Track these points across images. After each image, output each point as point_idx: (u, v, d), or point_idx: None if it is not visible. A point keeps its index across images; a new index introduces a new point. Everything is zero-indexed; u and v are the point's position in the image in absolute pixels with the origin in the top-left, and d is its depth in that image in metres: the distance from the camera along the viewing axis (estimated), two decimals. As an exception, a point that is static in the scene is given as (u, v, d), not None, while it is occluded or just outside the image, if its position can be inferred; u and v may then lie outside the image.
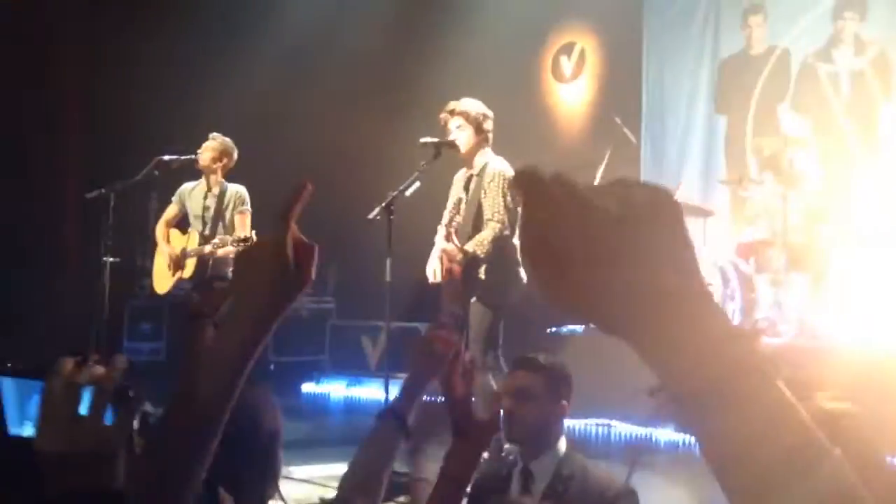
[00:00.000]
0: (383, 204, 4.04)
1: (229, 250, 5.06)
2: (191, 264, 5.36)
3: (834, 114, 6.58)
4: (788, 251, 5.41)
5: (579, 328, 5.87)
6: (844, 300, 5.37)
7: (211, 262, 5.28)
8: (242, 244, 4.81)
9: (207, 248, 5.18)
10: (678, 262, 0.68)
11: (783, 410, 0.64)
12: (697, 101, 7.29)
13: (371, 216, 4.05)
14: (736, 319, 5.38)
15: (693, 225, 6.31)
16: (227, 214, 5.37)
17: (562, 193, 0.68)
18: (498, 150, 4.52)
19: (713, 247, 5.76)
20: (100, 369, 1.00)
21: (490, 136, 4.44)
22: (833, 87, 6.62)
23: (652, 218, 0.68)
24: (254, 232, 5.02)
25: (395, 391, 5.59)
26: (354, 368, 6.46)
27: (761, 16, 7.00)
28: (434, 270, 4.34)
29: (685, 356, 0.67)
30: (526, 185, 0.68)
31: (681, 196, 6.04)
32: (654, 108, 7.51)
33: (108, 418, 1.00)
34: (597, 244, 0.67)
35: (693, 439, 0.70)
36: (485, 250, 4.21)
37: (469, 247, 4.22)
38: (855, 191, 6.03)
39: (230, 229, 5.29)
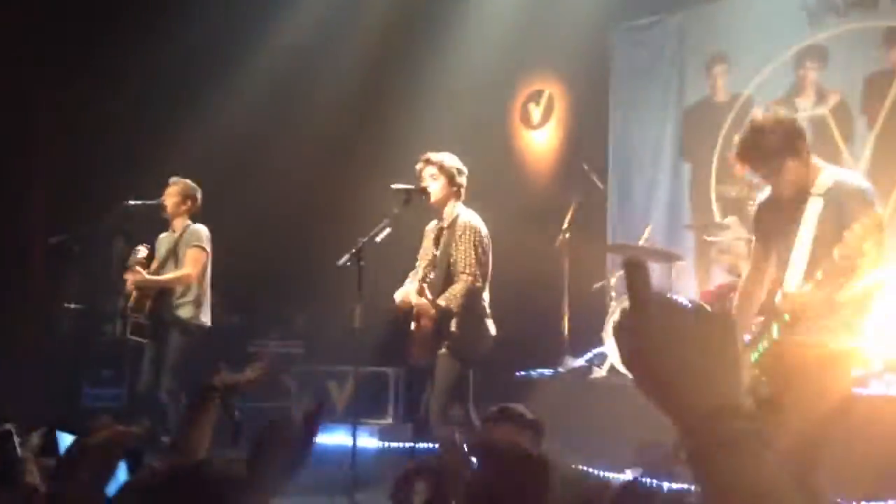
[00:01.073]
0: (353, 250, 4.04)
1: (169, 278, 5.10)
2: (137, 304, 5.33)
3: (795, 161, 6.72)
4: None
5: (548, 372, 5.87)
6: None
7: (151, 298, 5.27)
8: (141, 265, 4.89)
9: (132, 285, 5.19)
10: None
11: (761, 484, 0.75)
12: (663, 148, 7.41)
13: (341, 263, 4.05)
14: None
15: (660, 269, 6.38)
16: (181, 253, 5.36)
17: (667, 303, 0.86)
18: (469, 195, 4.55)
19: (679, 291, 5.81)
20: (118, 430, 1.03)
21: (462, 190, 4.49)
22: (794, 135, 6.76)
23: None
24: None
25: (362, 438, 5.52)
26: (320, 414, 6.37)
27: (725, 65, 7.17)
28: (401, 297, 4.31)
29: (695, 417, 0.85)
30: (634, 280, 0.83)
31: (646, 240, 6.13)
32: (621, 154, 7.62)
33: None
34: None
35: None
36: (457, 304, 4.24)
37: (441, 301, 4.24)
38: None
39: (181, 264, 5.29)
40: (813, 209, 3.09)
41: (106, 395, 6.22)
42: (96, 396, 6.16)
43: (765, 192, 3.40)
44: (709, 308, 0.86)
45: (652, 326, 0.85)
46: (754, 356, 3.17)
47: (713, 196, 7.02)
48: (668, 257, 6.14)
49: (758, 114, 3.33)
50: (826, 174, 3.23)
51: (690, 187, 7.26)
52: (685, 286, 6.25)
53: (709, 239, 6.24)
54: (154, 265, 5.43)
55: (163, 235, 5.59)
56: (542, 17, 7.39)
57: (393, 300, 4.45)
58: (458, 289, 4.24)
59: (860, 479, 4.30)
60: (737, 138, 3.31)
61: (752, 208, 5.78)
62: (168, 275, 5.33)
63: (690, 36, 7.32)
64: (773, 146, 3.16)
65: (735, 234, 5.89)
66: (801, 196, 3.18)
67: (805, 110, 6.76)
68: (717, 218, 6.82)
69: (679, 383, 0.82)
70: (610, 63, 7.72)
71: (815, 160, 3.33)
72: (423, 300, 4.19)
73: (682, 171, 7.33)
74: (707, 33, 7.22)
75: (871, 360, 4.88)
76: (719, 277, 6.07)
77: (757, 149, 3.17)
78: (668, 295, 0.84)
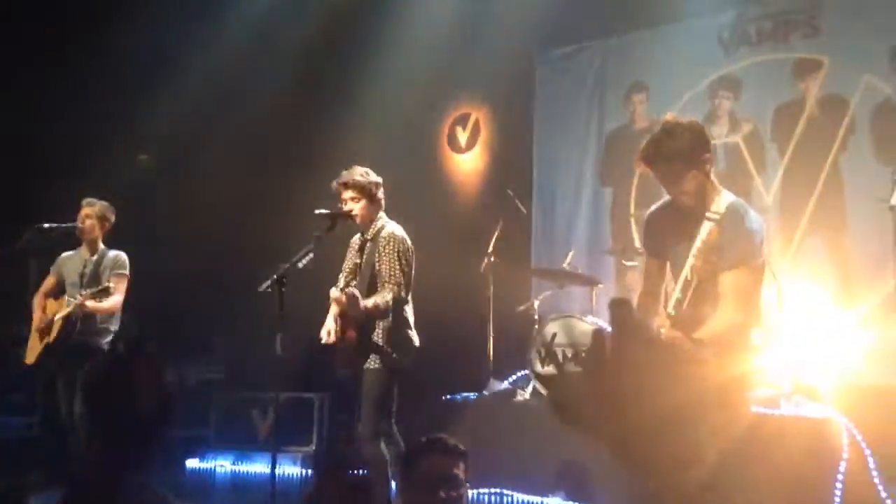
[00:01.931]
0: (275, 276, 4.00)
1: (97, 307, 5.00)
2: (56, 329, 5.20)
3: (711, 186, 6.95)
4: (669, 318, 5.62)
5: (473, 395, 5.90)
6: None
7: (78, 323, 5.15)
8: (101, 295, 4.79)
9: (69, 309, 5.07)
10: None
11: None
12: (585, 174, 7.58)
13: (262, 288, 4.01)
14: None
15: (580, 293, 6.50)
16: (103, 278, 5.25)
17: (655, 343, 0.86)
18: (395, 218, 4.57)
19: (599, 315, 5.93)
20: None
21: (382, 201, 4.52)
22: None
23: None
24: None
25: (283, 465, 5.43)
26: (242, 442, 6.26)
27: (644, 93, 7.39)
28: (328, 331, 4.31)
29: None
30: (619, 320, 0.82)
31: (568, 264, 6.24)
32: (544, 179, 7.77)
33: None
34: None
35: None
36: (384, 307, 4.22)
37: (369, 302, 4.21)
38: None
39: (105, 293, 5.18)
40: (704, 230, 3.05)
41: (15, 422, 5.98)
42: (5, 425, 5.92)
43: (655, 205, 3.34)
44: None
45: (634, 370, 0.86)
46: None
47: (632, 221, 7.21)
48: (589, 281, 6.26)
49: (670, 116, 3.23)
50: (724, 198, 3.18)
51: (611, 212, 7.43)
52: (606, 310, 6.37)
53: (627, 263, 6.39)
54: (50, 285, 5.35)
55: (66, 255, 5.46)
56: (470, 43, 7.49)
57: (317, 326, 4.43)
58: (384, 297, 4.23)
59: (770, 499, 4.44)
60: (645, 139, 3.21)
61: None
62: (107, 302, 5.20)
63: (611, 65, 7.53)
64: (680, 149, 3.09)
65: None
66: (698, 214, 3.12)
67: (719, 138, 7.01)
68: (637, 242, 6.99)
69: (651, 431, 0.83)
70: (534, 89, 7.88)
71: (715, 182, 3.30)
72: (342, 294, 4.18)
73: (602, 197, 7.51)
74: (627, 63, 7.43)
75: (781, 381, 5.07)
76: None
77: (663, 149, 3.08)
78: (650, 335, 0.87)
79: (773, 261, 6.18)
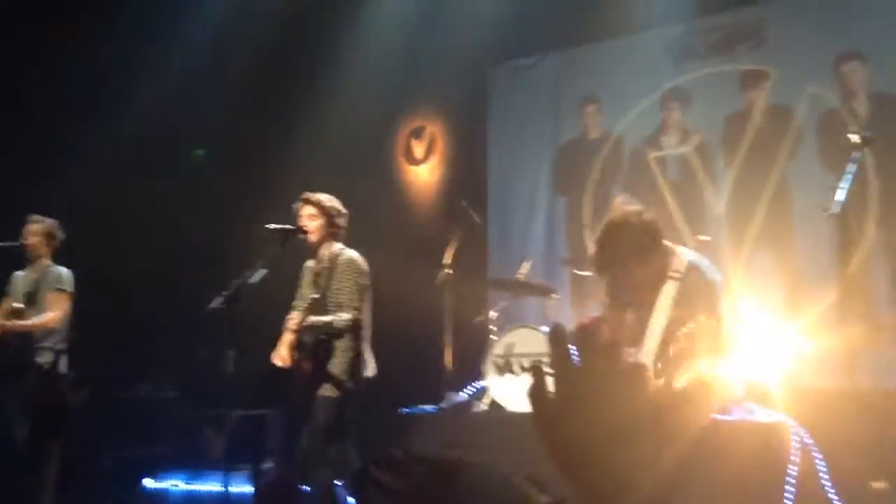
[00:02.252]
0: (227, 293, 3.96)
1: (32, 324, 4.92)
2: None
3: (662, 195, 7.07)
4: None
5: (430, 408, 5.89)
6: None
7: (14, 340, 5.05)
8: (15, 316, 4.70)
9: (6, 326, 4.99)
10: None
11: None
12: (539, 184, 7.64)
13: (213, 305, 3.96)
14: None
15: (535, 303, 6.54)
16: (42, 293, 5.16)
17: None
18: (351, 230, 4.54)
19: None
20: None
21: (342, 232, 4.48)
22: (661, 172, 7.12)
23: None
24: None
25: (238, 483, 5.36)
26: (196, 460, 6.17)
27: (596, 105, 7.48)
28: (280, 358, 4.28)
29: None
30: (582, 345, 0.81)
31: (523, 274, 6.27)
32: (499, 189, 7.81)
33: None
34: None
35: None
36: (339, 327, 4.20)
37: (327, 318, 4.19)
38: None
39: (42, 308, 5.09)
40: (668, 291, 3.26)
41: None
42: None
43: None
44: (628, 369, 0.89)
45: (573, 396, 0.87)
46: None
47: (586, 230, 7.28)
48: (544, 291, 6.30)
49: (615, 212, 3.40)
50: (681, 257, 3.40)
51: (566, 222, 7.50)
52: (561, 319, 6.42)
53: (580, 273, 6.45)
54: (9, 305, 5.23)
55: (19, 273, 5.37)
56: (424, 55, 7.52)
57: (270, 342, 4.38)
58: (341, 315, 4.22)
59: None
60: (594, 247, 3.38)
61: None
62: (32, 320, 5.11)
63: (564, 76, 7.61)
64: (631, 251, 3.27)
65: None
66: (660, 277, 3.34)
67: (671, 148, 7.13)
68: (592, 251, 7.05)
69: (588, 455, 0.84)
70: (489, 101, 7.93)
71: (667, 243, 3.43)
72: (299, 318, 4.15)
73: (557, 207, 7.57)
74: (580, 74, 7.52)
75: (734, 386, 5.14)
76: (594, 310, 6.27)
77: (615, 256, 3.25)
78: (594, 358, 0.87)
79: (724, 269, 6.31)
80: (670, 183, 7.09)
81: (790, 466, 4.77)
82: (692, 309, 3.20)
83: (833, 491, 4.60)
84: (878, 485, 4.26)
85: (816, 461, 4.68)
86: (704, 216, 6.86)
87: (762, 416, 4.93)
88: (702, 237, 6.30)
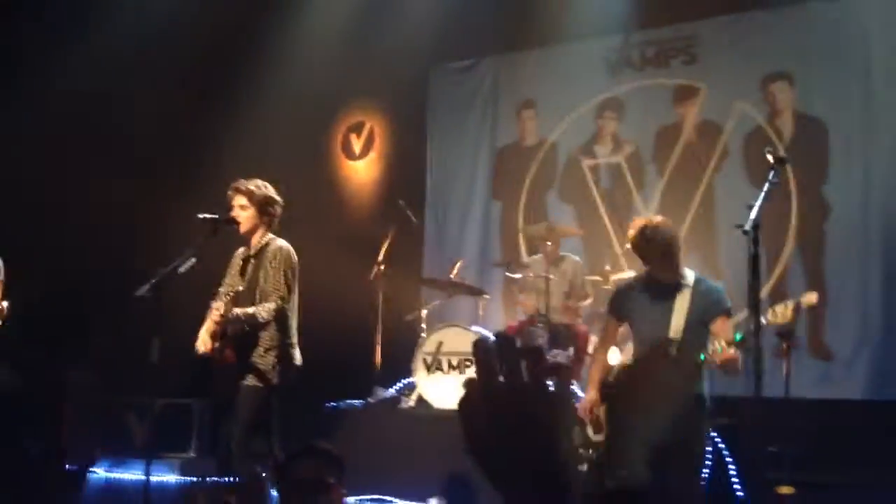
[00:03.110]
0: (153, 281, 3.93)
1: None
2: None
3: (594, 203, 7.24)
4: (551, 329, 5.83)
5: (357, 403, 5.93)
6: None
7: None
8: None
9: None
10: None
11: None
12: (476, 187, 7.74)
13: (139, 293, 3.92)
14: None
15: (467, 303, 6.64)
16: None
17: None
18: (286, 222, 4.52)
19: (486, 325, 6.07)
20: None
21: (275, 220, 4.44)
22: (594, 179, 7.29)
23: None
24: (5, 303, 4.71)
25: (161, 473, 5.28)
26: (117, 448, 6.07)
27: (533, 111, 7.61)
28: (203, 343, 4.23)
29: None
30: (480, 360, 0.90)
31: (456, 274, 6.36)
32: (437, 189, 7.89)
33: None
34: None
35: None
36: (260, 321, 4.17)
37: (250, 309, 4.16)
38: (611, 273, 6.61)
39: None
40: (684, 297, 3.90)
41: None
42: None
43: (627, 279, 4.23)
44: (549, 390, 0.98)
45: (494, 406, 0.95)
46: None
47: (520, 234, 7.41)
48: (475, 292, 6.40)
49: (644, 222, 4.13)
50: (687, 273, 4.04)
51: (500, 225, 7.62)
52: (492, 320, 6.53)
53: (510, 276, 6.57)
54: None
55: None
56: (365, 51, 7.54)
57: (198, 332, 4.36)
58: (268, 306, 4.19)
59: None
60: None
61: (553, 248, 6.18)
62: None
63: (502, 81, 7.73)
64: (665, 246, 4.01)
65: (537, 272, 6.23)
66: (671, 285, 3.98)
67: (603, 157, 7.31)
68: (523, 256, 7.19)
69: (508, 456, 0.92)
70: (428, 101, 7.99)
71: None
72: (223, 310, 4.11)
73: (492, 210, 7.68)
74: (518, 80, 7.64)
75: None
76: (524, 312, 6.40)
77: (653, 248, 4.00)
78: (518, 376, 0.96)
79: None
80: (603, 191, 7.27)
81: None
82: (705, 316, 3.92)
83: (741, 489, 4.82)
84: (784, 489, 4.46)
85: (726, 463, 4.89)
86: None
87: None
88: (630, 245, 6.48)
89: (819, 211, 6.32)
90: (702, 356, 3.76)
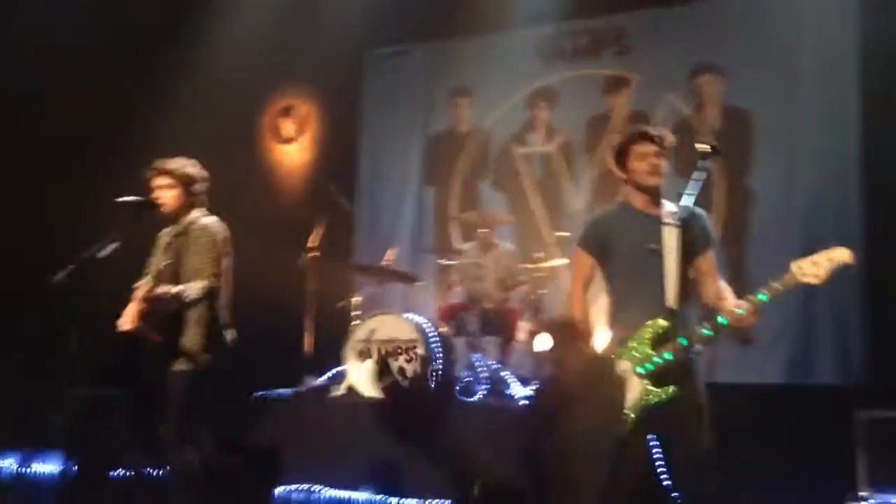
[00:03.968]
0: (71, 266, 3.77)
1: None
2: None
3: (526, 191, 7.29)
4: (482, 315, 5.85)
5: (287, 392, 5.85)
6: (526, 363, 5.92)
7: None
8: None
9: None
10: None
11: None
12: (409, 173, 7.71)
13: (57, 279, 3.76)
14: (436, 379, 5.67)
15: (400, 290, 6.60)
16: None
17: None
18: (215, 208, 4.39)
19: (418, 311, 6.05)
20: None
21: (202, 198, 4.30)
22: (526, 168, 7.34)
23: None
24: None
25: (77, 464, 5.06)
26: (33, 440, 5.85)
27: (467, 99, 7.61)
28: (125, 320, 4.05)
29: None
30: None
31: (389, 261, 6.32)
32: (370, 175, 7.82)
33: None
34: None
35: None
36: (192, 297, 4.01)
37: (174, 289, 4.00)
38: (543, 261, 6.65)
39: None
40: (669, 232, 3.28)
41: None
42: None
43: (602, 210, 3.50)
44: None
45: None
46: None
47: (453, 222, 7.41)
48: (408, 278, 6.37)
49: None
50: (667, 204, 3.43)
51: (433, 212, 7.60)
52: (425, 306, 6.51)
53: (444, 262, 6.57)
54: None
55: None
56: (299, 33, 7.42)
57: (118, 320, 4.21)
58: (195, 285, 4.02)
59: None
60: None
61: (485, 235, 6.19)
62: None
63: (436, 68, 7.70)
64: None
65: (470, 259, 6.23)
66: (652, 219, 3.35)
67: (536, 146, 7.36)
68: (457, 243, 7.20)
69: None
70: (361, 85, 7.91)
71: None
72: (150, 290, 3.96)
73: (426, 197, 7.66)
74: (452, 67, 7.62)
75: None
76: (457, 299, 6.40)
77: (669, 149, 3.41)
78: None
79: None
80: (535, 180, 7.32)
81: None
82: (695, 245, 3.33)
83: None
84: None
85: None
86: (565, 213, 7.12)
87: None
88: (561, 233, 6.56)
89: (743, 201, 6.49)
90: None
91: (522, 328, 6.05)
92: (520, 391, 5.60)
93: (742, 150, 6.51)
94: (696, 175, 3.24)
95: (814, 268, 3.03)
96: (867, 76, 6.03)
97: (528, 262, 6.25)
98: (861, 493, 4.81)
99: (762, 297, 3.07)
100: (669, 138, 3.46)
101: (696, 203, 3.36)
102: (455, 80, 7.61)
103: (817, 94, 6.27)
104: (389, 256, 6.37)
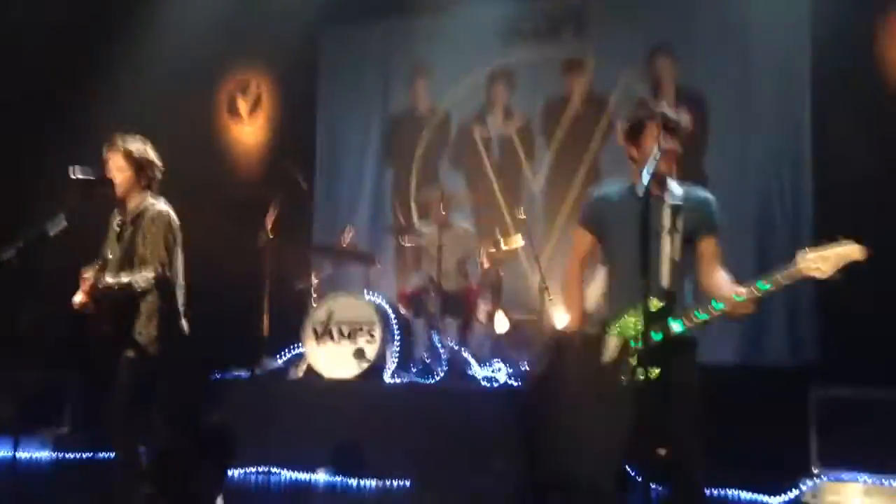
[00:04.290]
0: (20, 244, 3.65)
1: None
2: None
3: (485, 173, 7.28)
4: (442, 296, 5.84)
5: (244, 374, 5.78)
6: (486, 344, 5.93)
7: None
8: None
9: None
10: None
11: None
12: (368, 153, 7.64)
13: (4, 258, 3.63)
14: (395, 361, 5.66)
15: (358, 271, 6.56)
16: None
17: None
18: (169, 186, 4.27)
19: (377, 292, 6.02)
20: None
21: (154, 183, 4.19)
22: (485, 149, 7.32)
23: None
24: None
25: (33, 449, 4.97)
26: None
27: (426, 79, 7.55)
28: (80, 301, 3.95)
29: None
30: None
31: (347, 242, 6.26)
32: (328, 154, 7.73)
33: None
34: None
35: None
36: (141, 287, 3.92)
37: (125, 278, 3.90)
38: (502, 242, 6.67)
39: None
40: (670, 214, 3.23)
41: None
42: None
43: (603, 188, 3.36)
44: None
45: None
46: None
47: (412, 201, 7.37)
48: (367, 259, 6.33)
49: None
50: (675, 186, 3.35)
51: (392, 192, 7.55)
52: (384, 287, 6.48)
53: (402, 243, 6.54)
54: None
55: None
56: (255, 9, 7.29)
57: (70, 300, 4.10)
58: (144, 273, 3.92)
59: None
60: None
61: (444, 217, 6.17)
62: None
63: (395, 47, 7.63)
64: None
65: (429, 240, 6.21)
66: (655, 201, 3.24)
67: (495, 127, 7.34)
68: (416, 223, 7.17)
69: None
70: (319, 64, 7.80)
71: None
72: (96, 279, 3.85)
73: (384, 177, 7.60)
74: (411, 46, 7.56)
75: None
76: (416, 280, 6.37)
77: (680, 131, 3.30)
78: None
79: (537, 245, 6.60)
80: (494, 161, 7.31)
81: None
82: (697, 229, 3.25)
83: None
84: (661, 451, 4.63)
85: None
86: (523, 194, 7.13)
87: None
88: (520, 214, 6.57)
89: (696, 182, 6.54)
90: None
91: (482, 309, 6.06)
92: (480, 372, 5.61)
93: (696, 132, 6.57)
94: (654, 153, 3.22)
95: (821, 261, 2.91)
96: (818, 54, 6.11)
97: (486, 242, 6.26)
98: (814, 470, 4.93)
99: (763, 286, 2.99)
100: (686, 121, 3.41)
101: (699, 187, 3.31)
102: (414, 59, 7.55)
103: (769, 74, 6.34)
104: (347, 235, 6.32)
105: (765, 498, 4.98)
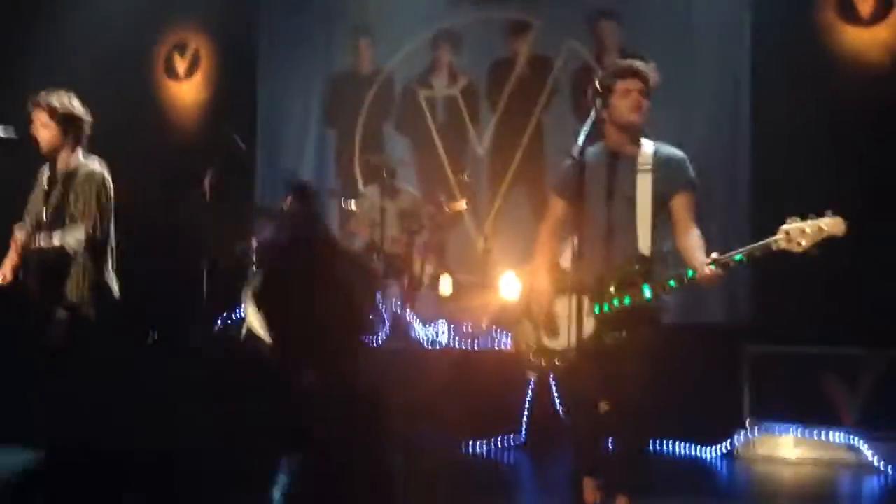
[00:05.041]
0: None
1: None
2: None
3: (430, 135, 7.23)
4: (386, 260, 5.81)
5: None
6: (431, 306, 5.94)
7: None
8: None
9: None
10: None
11: None
12: (310, 114, 7.51)
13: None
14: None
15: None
16: None
17: None
18: (103, 146, 4.13)
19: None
20: None
21: (83, 139, 4.04)
22: (430, 111, 7.26)
23: None
24: None
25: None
26: None
27: (369, 38, 7.43)
28: (2, 275, 3.84)
29: None
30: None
31: (289, 205, 6.16)
32: (269, 116, 7.57)
33: None
34: None
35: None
36: (72, 248, 3.80)
37: (55, 239, 3.77)
38: (446, 206, 6.65)
39: None
40: (645, 179, 3.24)
41: None
42: None
43: (578, 156, 3.18)
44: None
45: None
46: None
47: (356, 164, 7.29)
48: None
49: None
50: (647, 145, 3.37)
51: (335, 154, 7.45)
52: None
53: (347, 207, 6.47)
54: None
55: None
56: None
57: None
58: (75, 233, 3.79)
59: (468, 424, 4.80)
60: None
61: (388, 179, 6.11)
62: None
63: (337, 6, 7.48)
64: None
65: (373, 203, 6.16)
66: (628, 164, 3.30)
67: (439, 89, 7.28)
68: (360, 186, 7.10)
69: None
70: (259, 22, 7.62)
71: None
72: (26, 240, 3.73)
73: (327, 139, 7.50)
74: (353, 5, 7.42)
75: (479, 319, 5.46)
76: (359, 243, 6.33)
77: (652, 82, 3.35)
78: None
79: (482, 208, 6.61)
80: (439, 123, 7.26)
81: (528, 388, 5.18)
82: (665, 190, 3.29)
83: (561, 408, 5.06)
84: (603, 405, 4.72)
85: (550, 384, 5.11)
86: (468, 156, 7.10)
87: (504, 345, 5.29)
88: (464, 177, 6.56)
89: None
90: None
91: (426, 272, 6.06)
92: (424, 333, 5.63)
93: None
94: (591, 114, 3.22)
95: (801, 236, 2.88)
96: (758, 20, 6.17)
97: (430, 205, 6.23)
98: (747, 423, 5.08)
99: (737, 257, 2.98)
100: (655, 77, 3.38)
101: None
102: (356, 18, 7.42)
103: (710, 37, 6.37)
104: (289, 200, 6.22)
105: (700, 449, 5.13)
